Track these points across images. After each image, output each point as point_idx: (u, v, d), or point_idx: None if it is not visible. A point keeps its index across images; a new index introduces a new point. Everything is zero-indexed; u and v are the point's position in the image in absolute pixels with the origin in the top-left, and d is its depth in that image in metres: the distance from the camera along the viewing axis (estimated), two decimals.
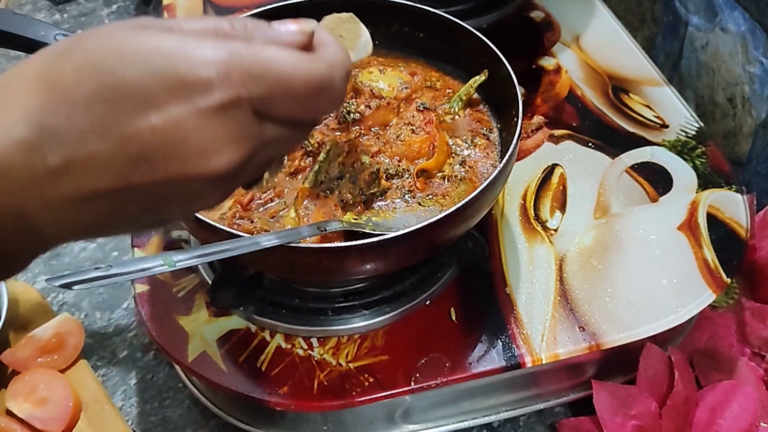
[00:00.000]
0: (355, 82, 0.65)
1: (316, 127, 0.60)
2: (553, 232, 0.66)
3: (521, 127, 0.55)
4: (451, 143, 0.61)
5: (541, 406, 0.64)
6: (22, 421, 0.60)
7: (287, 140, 0.33)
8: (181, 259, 0.43)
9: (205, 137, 0.28)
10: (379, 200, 0.56)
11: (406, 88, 0.64)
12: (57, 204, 0.28)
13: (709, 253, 0.63)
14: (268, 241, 0.46)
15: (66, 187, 0.28)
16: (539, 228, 0.66)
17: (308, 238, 0.50)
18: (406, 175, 0.57)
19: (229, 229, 0.48)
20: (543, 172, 0.71)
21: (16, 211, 0.27)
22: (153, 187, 0.29)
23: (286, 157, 0.37)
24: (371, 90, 0.63)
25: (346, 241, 0.51)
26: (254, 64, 0.29)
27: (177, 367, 0.67)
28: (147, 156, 0.28)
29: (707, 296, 0.60)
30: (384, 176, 0.56)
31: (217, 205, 0.34)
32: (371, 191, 0.55)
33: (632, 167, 0.71)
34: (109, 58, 0.28)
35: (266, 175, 0.37)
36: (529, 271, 0.63)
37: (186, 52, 0.28)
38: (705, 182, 0.69)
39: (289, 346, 0.58)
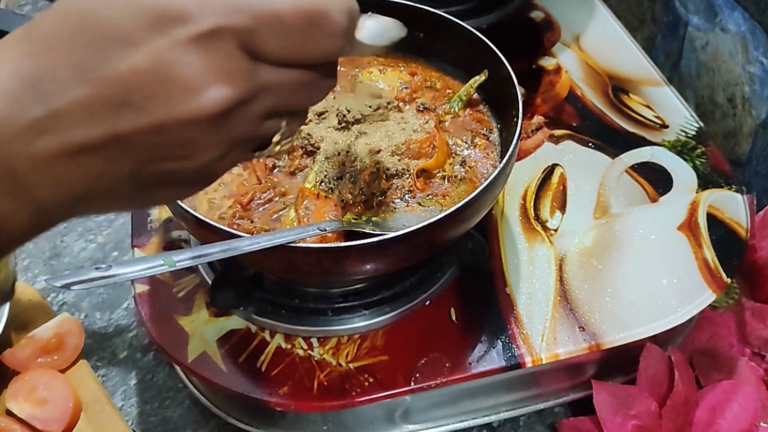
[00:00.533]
0: (354, 81, 0.65)
1: (318, 124, 0.59)
2: (553, 232, 0.66)
3: (521, 127, 0.55)
4: (451, 143, 0.61)
5: (541, 406, 0.64)
6: (22, 421, 0.60)
7: (291, 88, 0.30)
8: (181, 259, 0.43)
9: (188, 72, 0.27)
10: (379, 200, 0.56)
11: (406, 88, 0.64)
12: (45, 159, 0.27)
13: (709, 253, 0.63)
14: (268, 241, 0.46)
15: (52, 139, 0.26)
16: (539, 228, 0.66)
17: (308, 239, 0.50)
18: (406, 175, 0.57)
19: (229, 229, 0.48)
20: (543, 172, 0.71)
21: (4, 167, 0.26)
22: (142, 136, 0.27)
23: (301, 124, 0.34)
24: (371, 89, 0.63)
25: (346, 241, 0.51)
26: None
27: (177, 368, 0.67)
28: (131, 99, 0.26)
29: (707, 296, 0.60)
30: (384, 176, 0.56)
31: (221, 168, 0.30)
32: (371, 191, 0.55)
33: (632, 167, 0.71)
34: (89, 0, 0.27)
35: (276, 138, 0.33)
36: (529, 271, 0.63)
37: None
38: (705, 182, 0.69)
39: (289, 346, 0.58)
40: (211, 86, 0.27)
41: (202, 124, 0.28)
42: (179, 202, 0.50)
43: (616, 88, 0.80)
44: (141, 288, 0.62)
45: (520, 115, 0.56)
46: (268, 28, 0.28)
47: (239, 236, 0.47)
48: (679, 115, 0.77)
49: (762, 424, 0.60)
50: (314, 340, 0.58)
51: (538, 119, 0.76)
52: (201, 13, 0.27)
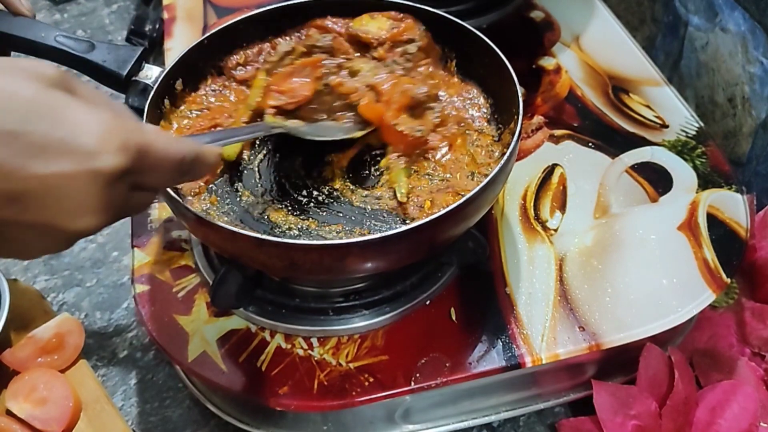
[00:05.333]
0: (348, 30, 0.64)
1: None
2: (553, 232, 0.66)
3: (521, 127, 0.55)
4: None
5: (541, 406, 0.64)
6: (22, 421, 0.60)
7: (143, 204, 0.38)
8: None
9: (80, 197, 0.32)
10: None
11: (395, 28, 0.63)
12: None
13: (709, 253, 0.63)
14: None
15: None
16: (539, 228, 0.66)
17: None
18: None
19: (228, 227, 0.48)
20: (543, 172, 0.71)
21: None
22: (13, 225, 0.32)
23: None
24: (359, 35, 0.62)
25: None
26: (141, 143, 0.34)
27: (177, 367, 0.67)
28: (25, 198, 0.31)
29: (707, 296, 0.60)
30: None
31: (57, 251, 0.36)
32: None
33: (632, 167, 0.71)
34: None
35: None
36: (529, 271, 0.63)
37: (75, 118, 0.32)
38: (705, 182, 0.69)
39: (289, 346, 0.58)
40: (94, 214, 0.33)
41: (72, 235, 0.34)
42: (180, 201, 0.50)
43: (616, 88, 0.80)
44: (141, 288, 0.62)
45: (521, 114, 0.56)
46: (157, 169, 0.36)
47: (240, 234, 0.47)
48: (679, 115, 0.77)
49: (762, 424, 0.60)
50: (314, 340, 0.58)
51: (538, 119, 0.76)
52: (107, 154, 0.32)
